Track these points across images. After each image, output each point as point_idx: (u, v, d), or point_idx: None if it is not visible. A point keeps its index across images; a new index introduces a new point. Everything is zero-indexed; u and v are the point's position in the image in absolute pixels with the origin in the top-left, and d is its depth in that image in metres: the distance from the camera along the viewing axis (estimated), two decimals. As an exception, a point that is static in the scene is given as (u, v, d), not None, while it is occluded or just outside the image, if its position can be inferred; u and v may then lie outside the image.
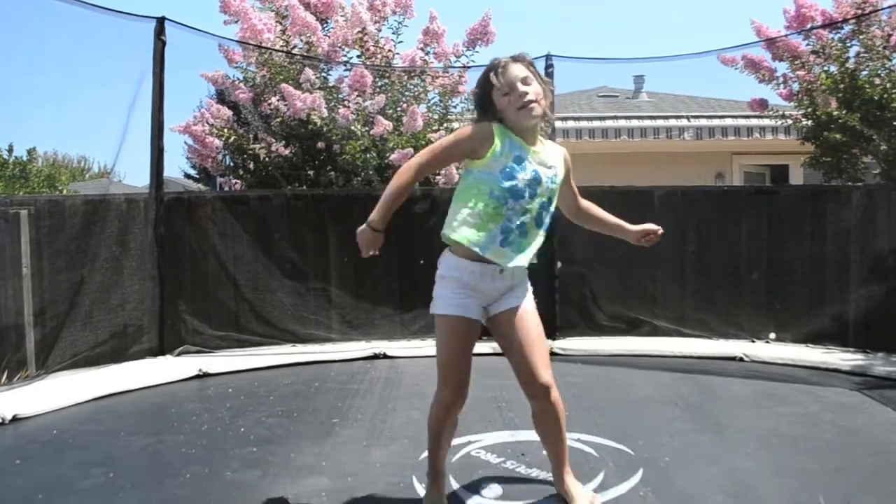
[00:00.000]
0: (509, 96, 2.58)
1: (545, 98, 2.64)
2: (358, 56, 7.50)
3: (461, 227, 2.63)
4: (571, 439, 3.80)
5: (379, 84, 7.32)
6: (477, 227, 2.60)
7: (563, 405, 4.08)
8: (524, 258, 2.68)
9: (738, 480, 3.29)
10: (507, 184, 2.58)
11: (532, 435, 3.74)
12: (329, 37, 7.22)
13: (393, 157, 7.03)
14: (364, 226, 2.75)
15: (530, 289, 2.82)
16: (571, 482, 2.90)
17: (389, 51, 7.59)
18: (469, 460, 3.54)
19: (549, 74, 6.86)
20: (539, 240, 2.72)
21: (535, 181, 2.62)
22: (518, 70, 2.60)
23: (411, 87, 7.62)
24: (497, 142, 2.59)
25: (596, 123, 11.56)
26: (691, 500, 3.09)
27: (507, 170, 2.58)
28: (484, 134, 2.60)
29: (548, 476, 3.21)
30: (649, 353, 6.22)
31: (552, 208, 2.74)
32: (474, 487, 3.13)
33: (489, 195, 2.59)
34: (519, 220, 2.61)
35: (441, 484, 2.92)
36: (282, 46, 7.25)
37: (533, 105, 2.58)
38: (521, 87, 2.56)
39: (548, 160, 2.69)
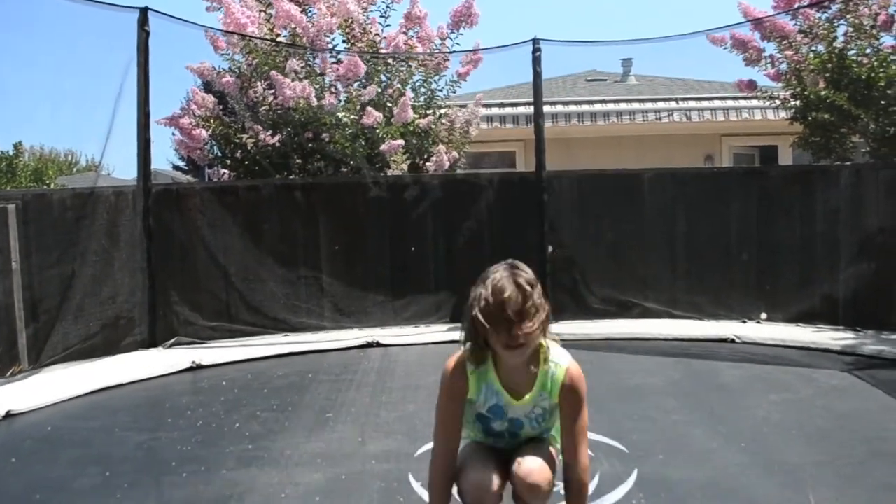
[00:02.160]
0: (500, 334, 2.25)
1: (543, 322, 2.33)
2: (343, 41, 7.47)
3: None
4: None
5: (367, 71, 7.28)
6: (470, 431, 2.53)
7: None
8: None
9: (731, 477, 3.27)
10: (483, 427, 2.46)
11: None
12: (313, 25, 7.17)
13: (383, 147, 7.01)
14: None
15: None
16: None
17: (376, 34, 7.55)
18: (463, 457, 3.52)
19: (537, 59, 6.84)
20: (540, 433, 2.54)
21: (517, 426, 2.44)
22: (513, 303, 2.23)
23: (397, 71, 7.60)
24: (472, 387, 2.39)
25: (584, 107, 11.53)
26: (684, 502, 3.07)
27: (483, 418, 2.43)
28: (454, 383, 2.38)
29: None
30: (641, 336, 6.24)
31: (546, 424, 2.51)
32: None
33: (472, 429, 2.50)
34: (505, 444, 2.48)
35: None
36: (266, 34, 7.20)
37: (522, 350, 2.29)
38: (514, 330, 2.24)
39: (535, 400, 2.42)
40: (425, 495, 3.11)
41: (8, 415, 4.28)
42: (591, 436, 3.79)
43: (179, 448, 3.76)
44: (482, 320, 2.25)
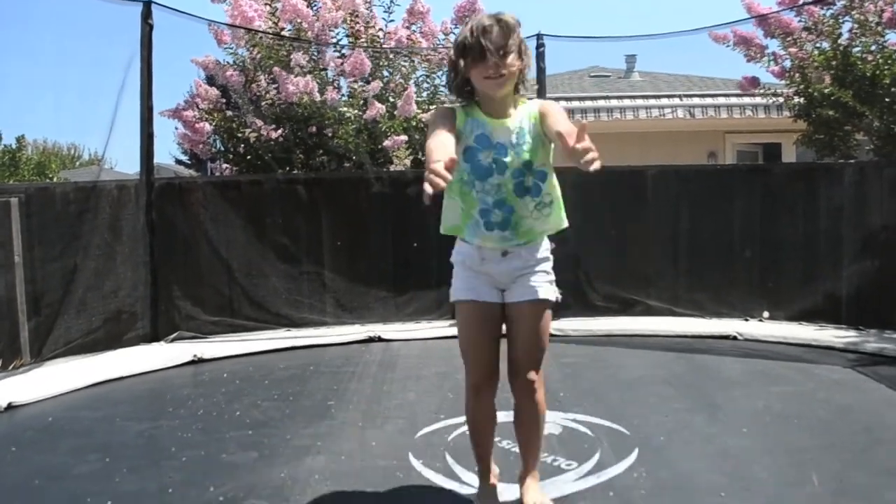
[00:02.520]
0: (480, 65, 2.40)
1: (523, 67, 2.47)
2: (346, 36, 7.46)
3: (446, 219, 2.61)
4: (567, 419, 3.83)
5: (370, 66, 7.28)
6: (460, 217, 2.55)
7: (558, 385, 4.09)
8: (520, 235, 2.55)
9: (733, 459, 3.30)
10: (468, 165, 2.49)
11: None
12: (318, 19, 7.17)
13: (386, 143, 7.01)
14: None
15: (548, 282, 2.64)
16: (530, 482, 2.79)
17: (380, 30, 7.54)
18: (465, 439, 3.54)
19: (541, 54, 6.83)
20: (536, 209, 2.55)
21: (501, 153, 2.48)
22: (497, 37, 2.38)
23: (400, 66, 7.59)
24: (459, 121, 2.48)
25: (588, 103, 11.53)
26: (686, 479, 3.11)
27: (469, 152, 2.48)
28: (442, 115, 2.50)
29: (544, 457, 3.21)
30: (643, 332, 6.24)
31: (536, 170, 2.52)
32: (471, 465, 3.14)
33: (460, 182, 2.50)
34: (494, 197, 2.49)
35: (490, 482, 2.80)
36: (271, 27, 7.18)
37: (501, 80, 2.41)
38: (493, 59, 2.37)
39: (516, 124, 2.51)
40: (425, 472, 3.16)
41: (9, 406, 4.29)
42: (591, 418, 3.84)
43: (180, 435, 3.80)
44: (462, 53, 2.41)
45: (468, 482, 3.03)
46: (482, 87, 2.46)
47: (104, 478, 3.21)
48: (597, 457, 3.31)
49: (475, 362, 2.59)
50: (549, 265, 2.67)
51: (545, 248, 2.67)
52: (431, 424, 3.82)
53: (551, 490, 2.90)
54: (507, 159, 2.48)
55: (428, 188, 2.12)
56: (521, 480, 2.80)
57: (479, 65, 2.40)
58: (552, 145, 2.52)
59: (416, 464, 3.25)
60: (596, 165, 2.20)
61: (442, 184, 2.13)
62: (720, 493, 2.92)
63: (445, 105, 2.62)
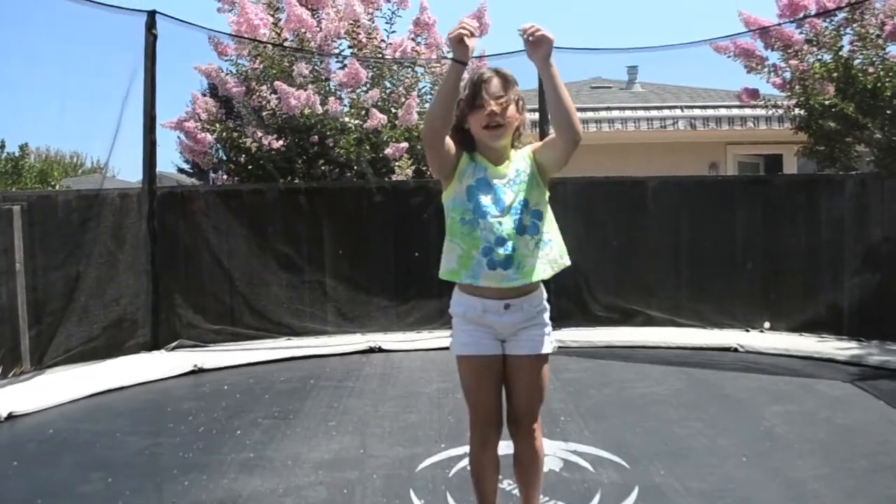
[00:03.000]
0: (480, 111, 2.46)
1: (520, 120, 2.54)
2: (349, 47, 7.48)
3: (445, 263, 2.57)
4: (567, 451, 3.77)
5: (370, 75, 7.29)
6: (462, 259, 2.52)
7: (560, 406, 4.05)
8: (523, 274, 2.52)
9: (733, 493, 3.25)
10: (471, 204, 2.50)
11: None
12: (321, 29, 7.19)
13: (388, 151, 7.03)
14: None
15: (548, 335, 2.64)
16: None
17: (382, 41, 7.56)
18: (465, 474, 3.51)
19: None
20: (536, 247, 2.55)
21: (500, 194, 2.52)
22: (495, 87, 2.47)
23: (403, 77, 7.61)
24: (463, 162, 2.53)
25: (589, 114, 11.52)
26: None
27: (470, 191, 2.51)
28: (450, 143, 2.51)
29: (545, 500, 3.17)
30: (644, 344, 6.23)
31: (532, 209, 2.55)
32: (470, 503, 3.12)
33: (461, 223, 2.50)
34: (495, 235, 2.48)
35: None
36: (274, 39, 7.21)
37: (499, 131, 2.48)
38: (492, 107, 2.45)
39: (514, 167, 2.57)
40: None
41: (10, 416, 4.29)
42: (591, 449, 3.81)
43: (181, 455, 3.76)
44: (463, 103, 2.48)
45: None
46: (480, 137, 2.52)
47: (108, 499, 3.18)
48: (597, 498, 3.22)
49: (480, 413, 2.60)
50: (547, 315, 2.68)
51: (543, 297, 2.67)
52: (432, 456, 3.73)
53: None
54: (506, 198, 2.50)
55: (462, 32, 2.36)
56: None
57: (477, 113, 2.47)
58: (546, 190, 2.61)
59: (417, 501, 3.20)
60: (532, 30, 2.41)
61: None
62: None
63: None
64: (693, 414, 4.45)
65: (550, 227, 2.61)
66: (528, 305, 2.58)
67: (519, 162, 2.57)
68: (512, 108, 2.49)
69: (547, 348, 2.62)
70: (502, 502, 2.99)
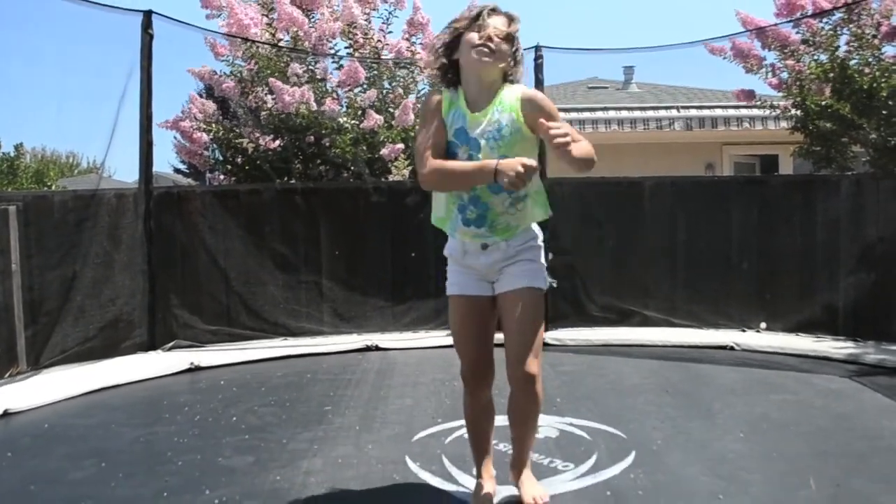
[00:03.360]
0: (473, 34, 2.43)
1: (514, 67, 2.50)
2: (346, 47, 7.48)
3: (437, 211, 2.64)
4: (563, 423, 3.84)
5: (367, 76, 7.30)
6: (444, 212, 2.59)
7: (555, 392, 4.09)
8: (497, 232, 2.52)
9: (729, 463, 3.31)
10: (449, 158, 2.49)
11: None
12: (315, 29, 7.19)
13: (384, 151, 7.03)
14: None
15: (536, 269, 2.62)
16: (526, 477, 2.80)
17: (379, 41, 7.57)
18: (462, 441, 3.54)
19: (539, 66, 6.85)
20: (511, 206, 2.51)
21: (475, 148, 2.46)
22: (498, 21, 2.45)
23: (400, 77, 7.61)
24: (445, 112, 2.50)
25: (586, 115, 11.56)
26: (682, 481, 3.12)
27: (451, 145, 2.49)
28: (429, 106, 2.53)
29: (540, 459, 3.23)
30: (640, 342, 6.25)
31: (502, 145, 2.47)
32: (467, 468, 3.14)
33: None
34: (468, 193, 2.48)
35: (485, 483, 2.78)
36: (268, 39, 7.21)
37: (489, 56, 2.41)
38: (489, 31, 2.41)
39: (494, 117, 2.46)
40: (422, 474, 3.17)
41: (5, 413, 4.28)
42: (588, 422, 3.86)
43: (176, 440, 3.80)
44: (459, 22, 2.47)
45: (465, 484, 3.04)
46: (468, 63, 2.46)
47: (99, 483, 3.20)
48: (593, 459, 3.32)
49: (463, 355, 2.61)
50: (535, 253, 2.64)
51: (531, 237, 2.64)
52: (428, 428, 3.83)
53: (547, 489, 2.90)
54: (480, 155, 2.45)
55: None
56: (516, 475, 2.80)
57: (473, 32, 2.43)
58: (535, 136, 2.50)
59: (413, 467, 3.26)
60: (564, 144, 2.30)
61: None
62: (718, 495, 2.93)
63: (434, 93, 2.58)
64: (689, 400, 4.51)
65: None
66: (507, 245, 2.56)
67: (502, 110, 2.47)
68: (506, 45, 2.45)
69: (534, 282, 2.57)
70: (499, 463, 3.04)
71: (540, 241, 2.69)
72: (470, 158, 2.45)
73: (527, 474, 2.80)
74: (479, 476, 2.80)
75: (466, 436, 2.85)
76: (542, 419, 3.79)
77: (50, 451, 3.69)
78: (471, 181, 2.43)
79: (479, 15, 2.44)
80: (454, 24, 2.52)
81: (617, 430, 3.75)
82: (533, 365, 2.53)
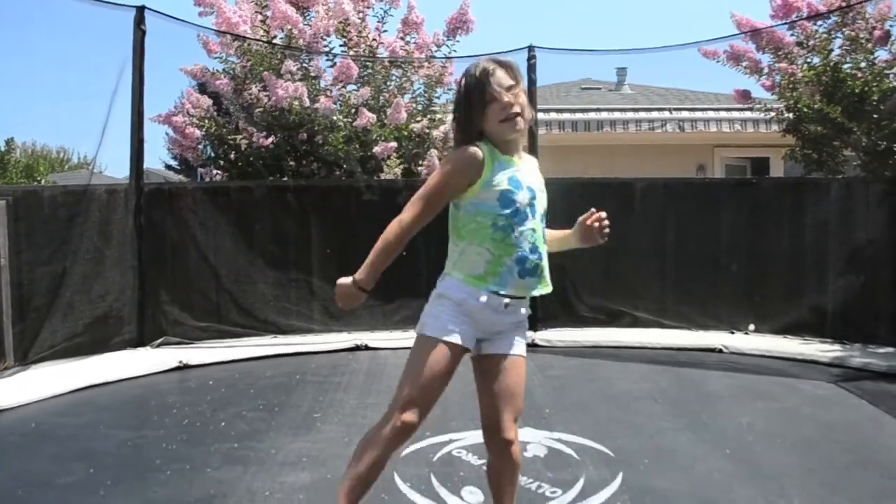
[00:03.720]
0: (493, 105, 2.31)
1: (527, 111, 2.37)
2: (341, 46, 7.48)
3: (474, 269, 2.38)
4: (552, 439, 3.82)
5: (362, 74, 7.30)
6: (491, 265, 2.35)
7: (544, 400, 4.07)
8: (543, 284, 2.43)
9: (717, 484, 3.29)
10: (508, 211, 2.32)
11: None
12: (310, 27, 7.18)
13: (377, 149, 7.03)
14: (349, 281, 2.53)
15: (528, 334, 2.56)
16: None
17: (374, 40, 7.56)
18: (450, 459, 3.55)
19: (532, 66, 6.85)
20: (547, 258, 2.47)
21: (533, 198, 2.38)
22: (504, 78, 2.32)
23: (394, 77, 7.61)
24: (487, 168, 2.32)
25: (578, 115, 11.58)
26: None
27: (506, 194, 2.32)
28: (475, 163, 2.32)
29: (528, 484, 3.22)
30: (630, 344, 6.26)
31: (544, 198, 2.47)
32: (455, 489, 3.13)
33: (493, 227, 2.33)
34: (530, 243, 2.35)
35: None
36: (262, 36, 7.20)
37: (518, 119, 2.32)
38: (506, 98, 2.30)
39: (533, 172, 2.46)
40: (411, 494, 3.15)
41: (-7, 410, 4.27)
42: (575, 438, 3.86)
43: (164, 446, 3.76)
44: (468, 102, 2.34)
45: None
46: (499, 133, 2.34)
47: (89, 490, 3.17)
48: (581, 483, 3.27)
49: (426, 404, 2.38)
50: (527, 331, 2.57)
51: (526, 315, 2.54)
52: (417, 442, 3.74)
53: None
54: (536, 202, 2.39)
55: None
56: None
57: (492, 107, 2.32)
58: None
59: (402, 486, 3.22)
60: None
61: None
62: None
63: (475, 151, 2.33)
64: (677, 409, 4.50)
65: None
66: (523, 308, 2.46)
67: (534, 166, 2.49)
68: (524, 96, 2.36)
69: (524, 351, 2.49)
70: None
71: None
72: (530, 206, 2.37)
73: None
74: None
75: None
76: (531, 434, 3.82)
77: (38, 452, 3.67)
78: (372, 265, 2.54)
79: (483, 89, 2.32)
80: (462, 104, 2.40)
81: (605, 447, 3.72)
82: (515, 432, 2.42)
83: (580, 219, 2.57)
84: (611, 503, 3.10)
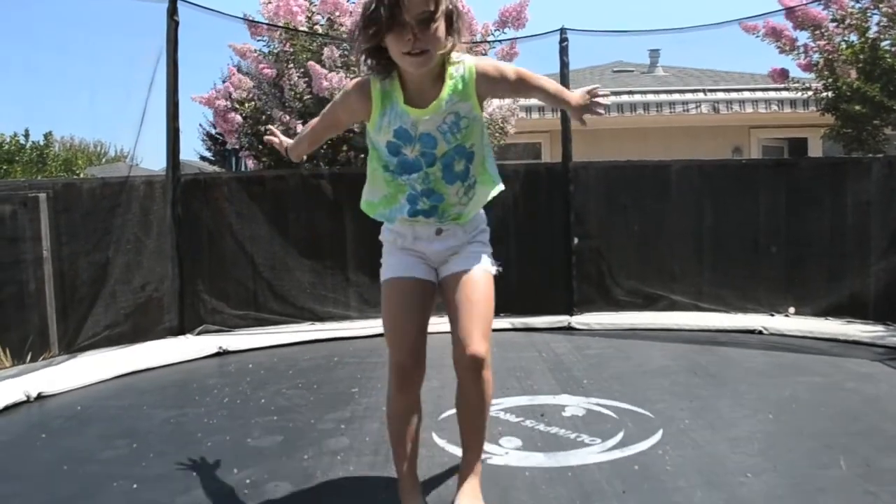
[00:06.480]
0: (397, 36, 2.02)
1: (452, 45, 2.12)
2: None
3: (370, 195, 2.42)
4: (590, 403, 3.84)
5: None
6: (384, 199, 2.35)
7: (581, 373, 4.05)
8: (446, 221, 2.35)
9: (759, 442, 3.29)
10: (395, 159, 2.26)
11: (551, 399, 3.78)
12: (351, 14, 7.16)
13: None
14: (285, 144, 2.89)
15: (486, 254, 2.43)
16: (469, 489, 2.45)
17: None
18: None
19: (564, 49, 6.79)
20: (464, 195, 2.33)
21: (429, 145, 2.21)
22: (417, 2, 1.99)
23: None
24: (375, 110, 2.19)
25: (611, 98, 11.46)
26: (711, 458, 3.11)
27: (392, 145, 2.23)
28: (352, 97, 2.23)
29: (567, 433, 3.24)
30: (667, 326, 6.21)
31: (468, 151, 2.29)
32: (493, 439, 3.16)
33: (384, 168, 2.31)
34: (422, 186, 2.27)
35: (412, 493, 2.47)
36: (304, 22, 7.20)
37: (423, 58, 2.05)
38: (413, 31, 2.00)
39: (447, 108, 2.18)
40: (449, 448, 3.21)
41: (39, 396, 4.36)
42: (615, 402, 3.86)
43: (205, 421, 3.85)
44: (370, 19, 2.02)
45: (491, 452, 3.11)
46: (401, 64, 2.11)
47: (131, 462, 3.26)
48: (621, 435, 3.34)
49: (401, 341, 2.33)
50: (485, 236, 2.47)
51: (481, 221, 2.48)
52: (454, 408, 3.83)
53: (572, 460, 2.89)
54: (436, 151, 2.23)
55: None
56: (459, 482, 2.49)
57: (395, 36, 2.02)
58: (482, 115, 2.29)
59: (441, 442, 3.30)
60: (605, 102, 2.24)
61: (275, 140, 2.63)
62: (746, 472, 2.92)
63: (358, 82, 2.24)
64: (717, 381, 4.49)
65: (479, 167, 2.33)
66: (463, 231, 2.39)
67: (458, 100, 2.19)
68: (441, 27, 2.04)
69: (487, 264, 2.39)
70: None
71: (486, 226, 2.50)
72: (423, 156, 2.22)
73: (471, 485, 2.46)
74: (403, 488, 2.48)
75: (390, 441, 2.57)
76: (568, 399, 3.83)
77: (82, 432, 3.76)
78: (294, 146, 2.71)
79: (392, 12, 1.98)
80: (362, 19, 2.10)
81: (644, 409, 3.75)
82: (482, 346, 2.27)
83: (581, 91, 2.29)
84: (652, 452, 3.13)
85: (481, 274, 2.36)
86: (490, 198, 2.44)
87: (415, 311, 2.35)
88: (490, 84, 2.23)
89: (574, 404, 3.79)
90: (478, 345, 2.26)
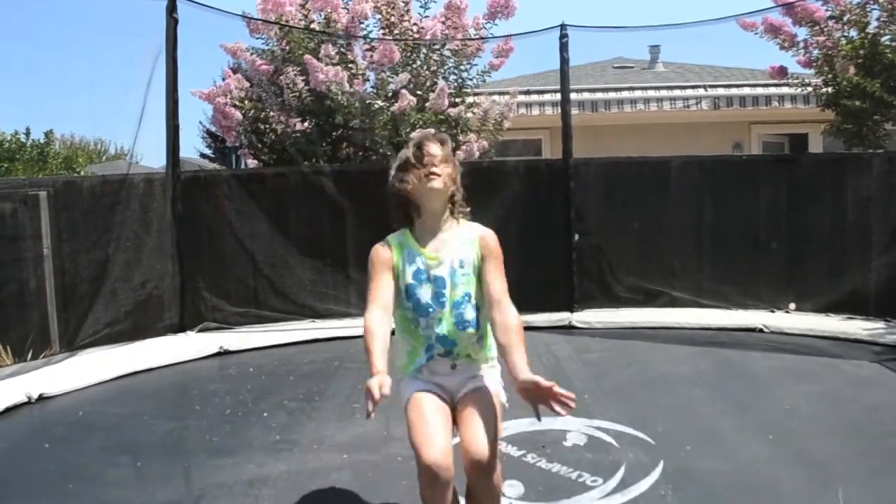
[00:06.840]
0: (418, 170, 2.49)
1: (455, 180, 2.53)
2: (381, 28, 7.42)
3: (399, 359, 2.57)
4: (591, 427, 3.79)
5: (407, 59, 7.24)
6: (409, 355, 2.54)
7: (583, 385, 4.01)
8: (459, 359, 2.49)
9: (759, 472, 3.25)
10: (410, 304, 2.47)
11: (554, 423, 3.75)
12: (348, 11, 7.15)
13: (414, 134, 6.98)
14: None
15: (496, 382, 2.54)
16: None
17: (414, 24, 7.49)
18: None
19: (564, 45, 6.77)
20: (477, 342, 2.51)
21: (439, 288, 2.46)
22: (434, 149, 2.51)
23: (434, 62, 7.54)
24: (396, 260, 2.51)
25: (611, 94, 11.44)
26: (712, 495, 3.07)
27: (409, 289, 2.47)
28: (380, 259, 2.53)
29: (568, 473, 3.22)
30: (668, 325, 6.21)
31: (474, 300, 2.48)
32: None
33: (403, 319, 2.53)
34: (436, 332, 2.46)
35: None
36: (301, 20, 7.18)
37: (437, 181, 2.46)
38: (433, 163, 2.48)
39: (450, 253, 2.48)
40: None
41: (40, 398, 4.36)
42: (616, 426, 3.82)
43: (208, 438, 3.82)
44: (399, 168, 2.56)
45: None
46: (419, 194, 2.51)
47: (137, 485, 3.24)
48: (621, 471, 3.26)
49: (430, 444, 2.29)
50: (497, 373, 2.58)
51: (493, 359, 2.57)
52: (455, 438, 3.77)
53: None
54: (446, 290, 2.46)
55: (370, 406, 2.17)
56: None
57: (417, 171, 2.49)
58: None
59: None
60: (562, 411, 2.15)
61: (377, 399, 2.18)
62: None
63: (380, 244, 2.60)
64: (718, 393, 4.44)
65: (485, 322, 2.51)
66: (475, 366, 2.54)
67: (464, 247, 2.49)
68: (450, 168, 2.51)
69: (495, 388, 2.50)
70: (534, 482, 3.03)
71: (498, 363, 2.57)
72: (436, 296, 2.45)
73: None
74: None
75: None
76: (571, 422, 3.77)
77: (85, 444, 3.74)
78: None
79: (417, 154, 2.52)
80: (395, 171, 2.62)
81: (645, 434, 3.69)
82: (492, 460, 2.30)
83: (531, 381, 2.19)
84: (653, 493, 3.07)
85: (491, 396, 2.47)
86: (491, 357, 2.56)
87: (440, 415, 2.42)
88: (487, 250, 2.50)
89: (575, 429, 3.74)
90: (486, 454, 2.29)
